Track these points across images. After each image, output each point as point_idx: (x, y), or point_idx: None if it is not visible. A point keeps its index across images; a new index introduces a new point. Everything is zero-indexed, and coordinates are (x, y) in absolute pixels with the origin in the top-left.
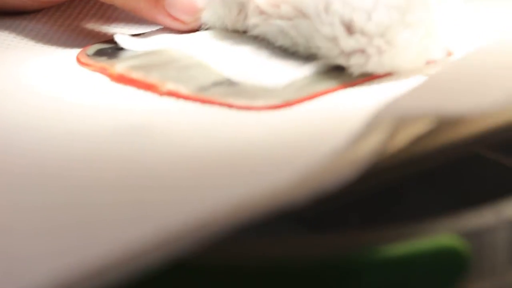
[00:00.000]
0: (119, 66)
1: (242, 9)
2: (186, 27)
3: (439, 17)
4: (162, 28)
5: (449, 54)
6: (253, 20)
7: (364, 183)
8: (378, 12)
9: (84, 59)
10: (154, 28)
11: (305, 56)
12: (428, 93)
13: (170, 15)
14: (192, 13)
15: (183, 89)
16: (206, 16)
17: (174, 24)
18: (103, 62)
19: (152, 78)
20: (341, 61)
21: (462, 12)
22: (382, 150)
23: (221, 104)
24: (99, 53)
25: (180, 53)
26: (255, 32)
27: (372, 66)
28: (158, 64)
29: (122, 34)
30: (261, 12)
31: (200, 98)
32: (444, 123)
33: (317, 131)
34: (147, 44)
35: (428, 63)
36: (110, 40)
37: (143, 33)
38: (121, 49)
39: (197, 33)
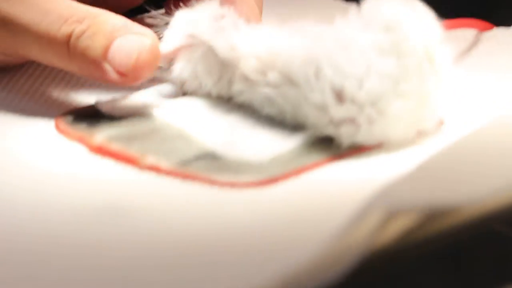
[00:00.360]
0: (99, 136)
1: (224, 74)
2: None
3: (433, 86)
4: (143, 90)
5: (441, 123)
6: (238, 87)
7: (355, 277)
8: (370, 80)
9: (63, 126)
10: (134, 90)
11: (293, 125)
12: (422, 182)
13: (123, 76)
14: (150, 68)
15: (164, 163)
16: (185, 75)
17: (129, 83)
18: (82, 130)
19: (132, 150)
20: (330, 130)
21: (458, 82)
22: (373, 242)
23: (203, 180)
24: (78, 119)
25: (162, 121)
26: (241, 99)
27: (362, 136)
28: (139, 134)
29: (101, 98)
30: (247, 79)
31: (181, 173)
32: (436, 214)
33: (305, 213)
34: (128, 110)
35: (419, 133)
36: (90, 105)
37: (123, 96)
38: (101, 114)
39: (180, 98)
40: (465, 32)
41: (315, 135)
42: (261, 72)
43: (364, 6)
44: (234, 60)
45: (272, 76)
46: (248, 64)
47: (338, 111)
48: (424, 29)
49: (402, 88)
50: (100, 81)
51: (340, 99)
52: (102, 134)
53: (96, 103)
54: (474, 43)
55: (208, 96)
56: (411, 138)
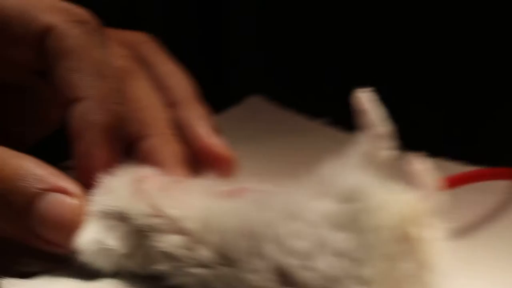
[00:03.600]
0: None
1: (141, 246)
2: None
3: (411, 271)
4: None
5: None
6: (161, 266)
7: None
8: (322, 259)
9: None
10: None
11: None
12: None
13: (44, 240)
14: (70, 233)
15: None
16: (84, 244)
17: (55, 249)
18: None
19: None
20: None
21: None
22: None
23: None
24: None
25: None
26: (172, 281)
27: None
28: None
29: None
30: (171, 257)
31: None
32: None
33: None
34: None
35: None
36: None
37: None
38: None
39: (101, 280)
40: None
41: None
42: (188, 247)
43: (323, 170)
44: (154, 231)
45: (203, 254)
46: (171, 238)
47: None
48: (399, 201)
49: (364, 273)
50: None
51: (285, 282)
52: None
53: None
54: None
55: (128, 277)
56: None
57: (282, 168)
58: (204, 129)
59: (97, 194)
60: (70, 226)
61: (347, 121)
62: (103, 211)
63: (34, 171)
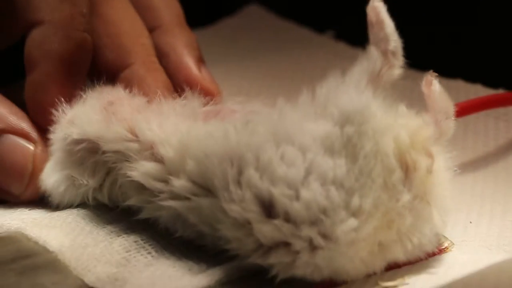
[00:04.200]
0: None
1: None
2: (17, 199)
3: (411, 204)
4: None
5: (445, 249)
6: (131, 199)
7: None
8: (309, 188)
9: None
10: None
11: (215, 251)
12: None
13: None
14: (21, 180)
15: None
16: (50, 184)
17: (2, 196)
18: None
19: None
20: (256, 259)
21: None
22: None
23: None
24: None
25: (34, 243)
26: (143, 215)
27: (302, 268)
28: None
29: None
30: (140, 189)
31: None
32: None
33: None
34: None
35: (392, 266)
36: None
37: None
38: None
39: (70, 210)
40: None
41: (238, 266)
42: (162, 178)
43: (324, 89)
44: (127, 158)
45: (178, 183)
46: (145, 166)
47: (266, 230)
48: (400, 126)
49: (356, 203)
50: None
51: (268, 214)
52: None
53: None
54: None
55: (99, 207)
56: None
57: (279, 85)
58: (190, 59)
59: (60, 126)
60: (21, 172)
61: (352, 34)
62: (70, 141)
63: None
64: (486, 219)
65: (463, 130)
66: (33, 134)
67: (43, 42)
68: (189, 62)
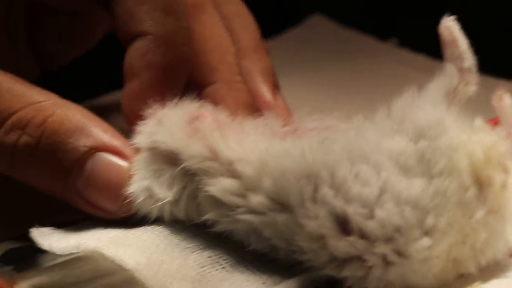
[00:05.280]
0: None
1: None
2: (112, 216)
3: (485, 220)
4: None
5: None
6: (208, 214)
7: None
8: (384, 207)
9: None
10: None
11: (288, 264)
12: None
13: (87, 202)
14: (115, 198)
15: None
16: (140, 199)
17: (97, 213)
18: (6, 275)
19: None
20: (330, 271)
21: None
22: None
23: None
24: (7, 257)
25: (111, 261)
26: (218, 229)
27: (374, 283)
28: (73, 282)
29: (41, 227)
30: (217, 203)
31: None
32: None
33: None
34: (72, 243)
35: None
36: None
37: (76, 223)
38: (38, 250)
39: (145, 227)
40: None
41: (312, 278)
42: (240, 194)
43: (397, 105)
44: (205, 174)
45: (255, 200)
46: (223, 182)
47: (340, 245)
48: (474, 142)
49: (431, 222)
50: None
51: (343, 230)
52: (25, 283)
53: (33, 233)
54: None
55: (179, 222)
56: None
57: (345, 95)
58: (265, 86)
59: (147, 127)
60: (116, 190)
61: (416, 41)
62: (153, 147)
63: (82, 124)
64: None
65: None
66: (126, 150)
67: (146, 53)
68: (264, 89)
